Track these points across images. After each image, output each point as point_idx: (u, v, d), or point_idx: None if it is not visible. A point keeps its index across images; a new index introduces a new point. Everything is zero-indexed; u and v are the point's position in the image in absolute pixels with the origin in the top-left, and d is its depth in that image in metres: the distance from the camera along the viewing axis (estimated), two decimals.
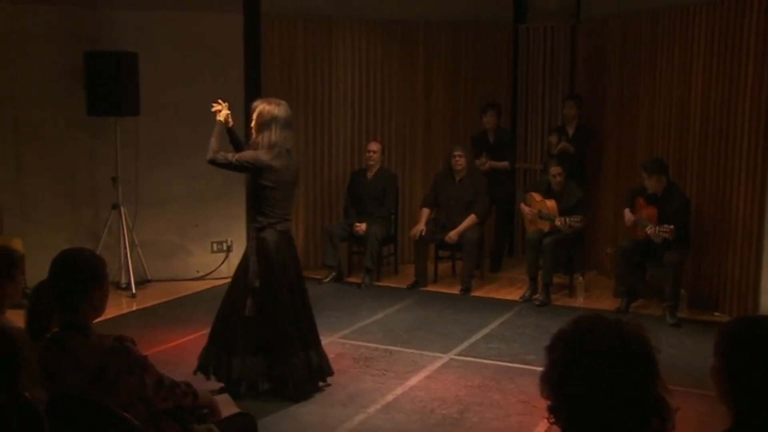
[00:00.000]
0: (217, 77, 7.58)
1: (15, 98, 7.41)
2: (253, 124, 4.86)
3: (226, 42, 7.86)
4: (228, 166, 4.81)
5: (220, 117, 4.92)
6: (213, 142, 4.82)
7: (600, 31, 8.38)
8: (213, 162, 4.80)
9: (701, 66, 6.86)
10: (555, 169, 7.34)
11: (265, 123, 4.78)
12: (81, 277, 2.85)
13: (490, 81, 9.01)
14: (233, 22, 7.87)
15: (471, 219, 7.71)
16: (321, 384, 5.12)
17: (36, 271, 3.96)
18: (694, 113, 6.95)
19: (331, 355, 5.76)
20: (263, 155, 4.75)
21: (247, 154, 4.80)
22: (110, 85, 7.11)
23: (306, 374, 4.95)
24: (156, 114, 7.52)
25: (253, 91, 7.00)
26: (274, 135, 4.76)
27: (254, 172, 4.79)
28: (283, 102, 4.91)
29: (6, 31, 7.29)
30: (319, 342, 5.12)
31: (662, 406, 1.82)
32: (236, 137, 5.07)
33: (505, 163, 8.38)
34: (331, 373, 5.16)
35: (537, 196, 7.46)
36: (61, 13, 7.43)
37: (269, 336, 4.88)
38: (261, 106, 4.83)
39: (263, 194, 4.82)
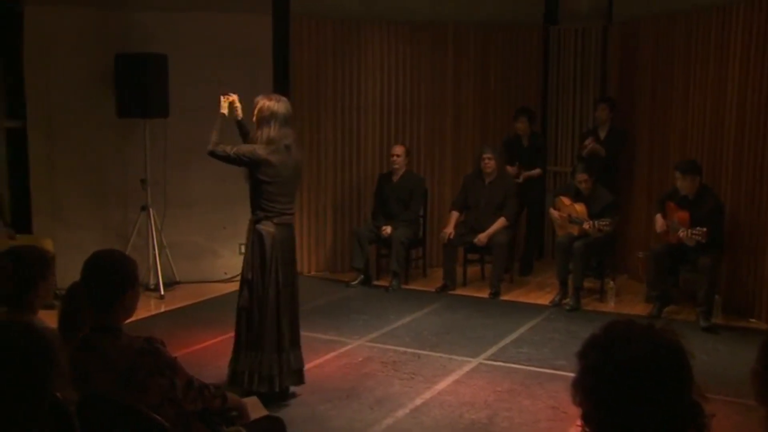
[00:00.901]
0: (246, 78, 7.58)
1: (47, 100, 7.49)
2: (254, 119, 4.88)
3: (255, 43, 7.88)
4: (226, 158, 4.82)
5: (223, 110, 4.96)
6: (214, 135, 4.85)
7: (632, 33, 8.28)
8: (212, 154, 4.83)
9: (737, 67, 6.73)
10: (581, 176, 7.26)
11: (264, 119, 4.79)
12: (113, 278, 2.86)
13: (521, 83, 8.95)
14: (262, 23, 7.89)
15: (501, 222, 7.66)
16: (292, 389, 5.02)
17: (65, 272, 3.99)
18: (730, 115, 6.84)
19: (359, 359, 5.77)
20: (261, 150, 4.76)
21: (245, 148, 4.82)
22: (140, 87, 7.16)
23: (275, 372, 4.85)
24: (185, 116, 7.54)
25: (282, 92, 6.99)
26: (272, 131, 4.78)
27: (252, 166, 4.80)
28: (283, 98, 4.92)
29: (38, 33, 7.37)
30: (298, 345, 5.00)
31: (698, 413, 1.78)
32: (245, 130, 5.08)
33: (538, 170, 8.33)
34: (302, 381, 5.03)
35: (566, 200, 7.39)
36: (92, 15, 7.50)
37: (257, 329, 4.89)
38: (261, 102, 4.84)
39: (261, 189, 4.83)
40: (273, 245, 4.83)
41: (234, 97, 5.01)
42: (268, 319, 4.84)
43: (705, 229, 6.24)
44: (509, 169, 8.15)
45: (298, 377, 5.01)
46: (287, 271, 4.91)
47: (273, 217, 4.85)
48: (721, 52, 6.93)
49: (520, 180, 8.16)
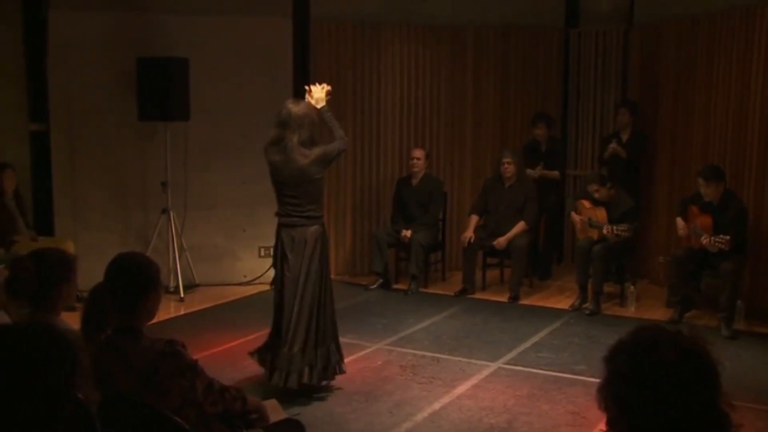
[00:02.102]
0: (267, 82, 7.62)
1: (70, 103, 7.54)
2: None
3: (276, 46, 7.89)
4: None
5: (323, 102, 5.11)
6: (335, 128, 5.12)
7: (654, 36, 8.21)
8: None
9: (761, 69, 6.65)
10: (592, 187, 7.21)
11: None
12: (136, 280, 2.88)
13: (541, 86, 8.92)
14: (282, 26, 7.91)
15: (520, 226, 7.62)
16: (324, 383, 5.12)
17: (86, 274, 4.00)
18: (753, 118, 6.76)
19: (377, 362, 5.77)
20: (266, 147, 4.98)
21: None
22: (161, 90, 7.20)
23: (285, 368, 4.92)
24: (205, 118, 7.59)
25: (302, 95, 7.03)
26: (272, 131, 4.97)
27: None
28: (294, 101, 5.01)
29: (61, 38, 7.43)
30: (314, 342, 5.00)
31: (725, 422, 1.76)
32: (325, 120, 5.14)
33: (556, 173, 8.30)
34: (338, 371, 5.17)
35: (587, 203, 7.34)
36: (114, 20, 7.56)
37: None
38: None
39: None
40: (276, 243, 5.04)
41: (319, 88, 5.12)
42: (281, 315, 4.98)
43: (728, 237, 6.17)
44: (530, 171, 8.09)
45: (318, 374, 5.04)
46: (294, 268, 4.95)
47: (279, 216, 5.03)
48: (744, 55, 6.86)
49: (537, 175, 8.10)
